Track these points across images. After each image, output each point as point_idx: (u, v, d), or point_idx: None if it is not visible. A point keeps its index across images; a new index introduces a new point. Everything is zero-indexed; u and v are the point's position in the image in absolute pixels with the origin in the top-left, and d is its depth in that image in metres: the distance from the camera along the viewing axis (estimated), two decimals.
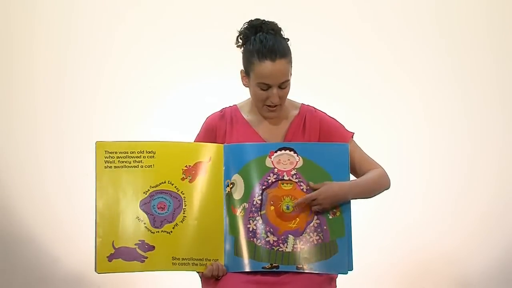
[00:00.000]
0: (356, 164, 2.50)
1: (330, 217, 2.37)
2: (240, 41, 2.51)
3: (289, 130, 2.54)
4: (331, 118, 2.58)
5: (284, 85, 2.44)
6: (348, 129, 2.57)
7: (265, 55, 2.40)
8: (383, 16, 4.11)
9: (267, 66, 2.40)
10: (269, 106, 2.47)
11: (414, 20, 4.10)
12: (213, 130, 2.56)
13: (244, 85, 2.54)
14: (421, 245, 3.97)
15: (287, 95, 2.49)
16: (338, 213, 2.37)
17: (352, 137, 2.55)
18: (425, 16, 4.10)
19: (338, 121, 2.58)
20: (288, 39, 2.51)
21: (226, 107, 2.61)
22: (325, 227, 2.36)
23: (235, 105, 2.62)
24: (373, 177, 2.48)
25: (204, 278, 2.42)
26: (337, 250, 2.36)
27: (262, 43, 2.43)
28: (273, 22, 2.50)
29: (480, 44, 4.08)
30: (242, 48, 2.51)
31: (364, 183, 2.46)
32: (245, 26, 2.51)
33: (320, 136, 2.53)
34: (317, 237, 2.36)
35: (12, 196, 4.03)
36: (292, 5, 4.04)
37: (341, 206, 2.37)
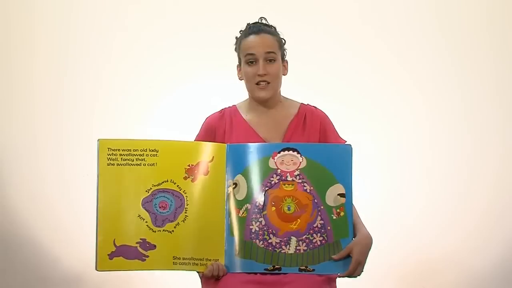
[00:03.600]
0: None
1: (334, 217, 2.37)
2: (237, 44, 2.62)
3: (288, 129, 2.56)
4: (330, 121, 2.61)
5: (270, 57, 2.52)
6: (341, 137, 2.60)
7: (249, 32, 2.55)
8: (383, 16, 4.11)
9: (251, 38, 2.54)
10: (258, 84, 2.52)
11: (414, 20, 4.10)
12: (212, 130, 2.58)
13: (239, 78, 2.61)
14: (421, 245, 3.97)
15: (276, 72, 2.54)
16: (342, 213, 2.37)
17: None
18: (426, 15, 4.10)
19: (334, 126, 2.61)
20: (285, 41, 2.60)
21: (225, 108, 2.65)
22: (328, 228, 2.36)
23: (234, 105, 2.66)
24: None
25: (204, 278, 2.42)
26: (341, 250, 2.36)
27: (250, 28, 2.57)
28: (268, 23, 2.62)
29: (480, 43, 4.08)
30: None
31: (356, 213, 2.46)
32: (242, 30, 2.62)
33: (320, 134, 2.55)
34: (321, 238, 2.36)
35: (12, 196, 4.03)
36: (293, 5, 4.05)
37: (345, 206, 2.37)
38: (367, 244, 2.38)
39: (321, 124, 2.57)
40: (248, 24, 2.60)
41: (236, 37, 2.62)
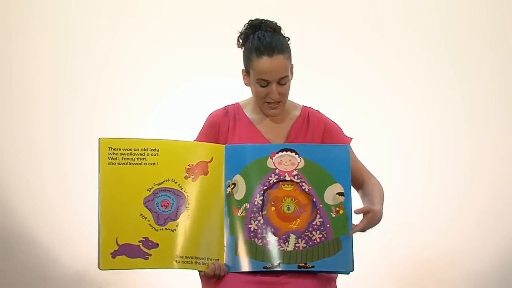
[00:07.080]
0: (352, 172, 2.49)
1: (333, 215, 2.37)
2: (241, 41, 2.54)
3: (291, 130, 2.55)
4: (333, 122, 2.60)
5: (283, 81, 2.46)
6: (346, 134, 2.59)
7: (262, 51, 2.43)
8: (383, 16, 4.11)
9: (265, 62, 2.43)
10: (269, 103, 2.49)
11: (414, 20, 4.10)
12: (216, 127, 2.56)
13: (245, 84, 2.56)
14: (421, 245, 3.97)
15: (287, 92, 2.50)
16: (341, 211, 2.37)
17: (349, 143, 2.56)
18: (426, 15, 4.11)
19: (338, 125, 2.60)
20: (288, 38, 2.53)
21: (229, 105, 2.62)
22: (328, 225, 2.36)
23: (238, 103, 2.62)
24: (381, 189, 2.51)
25: (204, 277, 2.42)
26: (341, 247, 2.35)
27: (260, 40, 2.45)
28: (272, 21, 2.53)
29: (480, 43, 4.08)
30: (243, 48, 2.54)
31: (382, 196, 2.48)
32: (245, 27, 2.54)
33: (323, 137, 2.54)
34: (320, 235, 2.36)
35: (12, 196, 4.03)
36: (293, 5, 4.05)
37: (344, 204, 2.37)
38: (379, 220, 2.39)
39: (325, 127, 2.55)
40: (251, 21, 2.53)
41: (239, 32, 2.53)
